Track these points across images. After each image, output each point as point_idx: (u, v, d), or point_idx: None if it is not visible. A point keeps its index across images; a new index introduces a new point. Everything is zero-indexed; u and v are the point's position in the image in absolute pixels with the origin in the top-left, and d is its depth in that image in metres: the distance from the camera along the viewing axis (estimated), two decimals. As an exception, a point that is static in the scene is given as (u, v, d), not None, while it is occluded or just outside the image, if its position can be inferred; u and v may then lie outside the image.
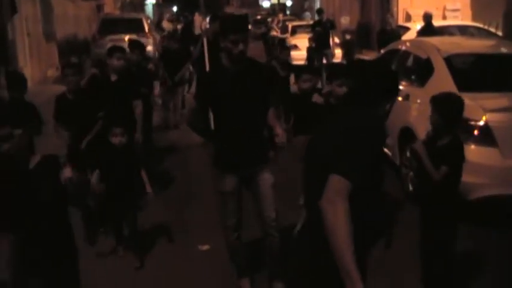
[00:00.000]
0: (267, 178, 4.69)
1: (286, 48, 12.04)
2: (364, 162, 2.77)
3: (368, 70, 3.07)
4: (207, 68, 9.89)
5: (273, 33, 19.31)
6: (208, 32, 10.03)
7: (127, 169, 5.59)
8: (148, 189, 5.63)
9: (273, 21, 20.37)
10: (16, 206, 3.57)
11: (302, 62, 16.44)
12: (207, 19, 10.80)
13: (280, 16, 21.14)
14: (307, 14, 31.98)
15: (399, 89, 2.96)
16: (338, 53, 19.22)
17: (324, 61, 16.81)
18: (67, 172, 3.70)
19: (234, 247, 4.92)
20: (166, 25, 25.37)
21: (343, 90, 5.50)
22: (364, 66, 3.20)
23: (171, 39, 12.69)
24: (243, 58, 4.48)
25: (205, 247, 5.94)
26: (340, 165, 2.73)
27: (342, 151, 2.76)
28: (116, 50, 6.85)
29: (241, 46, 4.36)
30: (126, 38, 20.34)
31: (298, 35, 21.90)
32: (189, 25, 23.55)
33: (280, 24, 19.94)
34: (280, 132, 4.54)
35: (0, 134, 3.45)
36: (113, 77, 6.76)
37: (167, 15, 28.20)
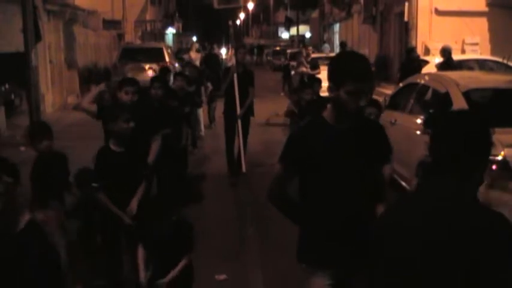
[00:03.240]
0: None
1: (308, 86, 10.73)
2: None
3: (456, 123, 2.22)
4: (238, 107, 9.72)
5: (302, 69, 17.49)
6: (237, 65, 9.90)
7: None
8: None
9: (300, 54, 18.44)
10: None
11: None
12: (231, 51, 10.82)
13: (309, 49, 19.21)
14: (326, 46, 32.09)
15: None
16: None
17: None
18: None
19: None
20: (194, 55, 25.63)
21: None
22: (452, 118, 2.29)
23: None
24: (357, 115, 3.22)
25: (222, 277, 5.94)
26: None
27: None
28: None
29: (362, 101, 3.10)
30: (147, 66, 20.70)
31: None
32: (210, 55, 23.94)
33: (309, 59, 18.07)
34: None
35: None
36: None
37: (196, 46, 28.22)
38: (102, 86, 7.05)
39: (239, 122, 9.77)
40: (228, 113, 9.99)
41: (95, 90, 6.77)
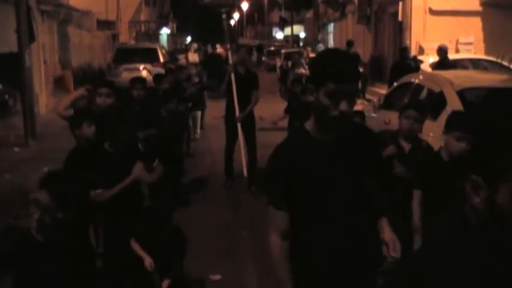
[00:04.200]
0: None
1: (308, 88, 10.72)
2: None
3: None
4: (237, 111, 8.93)
5: (301, 70, 16.78)
6: (236, 64, 9.11)
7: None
8: None
9: (301, 55, 17.44)
10: None
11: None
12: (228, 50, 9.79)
13: (309, 50, 18.11)
14: (321, 45, 32.21)
15: None
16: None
17: None
18: None
19: None
20: (191, 57, 25.27)
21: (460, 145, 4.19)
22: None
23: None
24: (343, 124, 2.77)
25: (217, 277, 5.93)
26: None
27: None
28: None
29: (344, 105, 2.67)
30: (141, 67, 20.69)
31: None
32: (213, 56, 23.92)
33: (307, 60, 17.19)
34: (391, 239, 2.89)
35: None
36: None
37: (195, 46, 27.63)
38: (81, 91, 6.46)
39: (239, 126, 9.01)
40: (227, 116, 9.30)
41: (73, 94, 6.43)
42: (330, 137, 2.79)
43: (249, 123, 9.14)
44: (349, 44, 18.10)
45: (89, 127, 5.14)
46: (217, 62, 24.30)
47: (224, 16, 10.16)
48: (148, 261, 4.62)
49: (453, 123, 4.31)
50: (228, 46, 9.76)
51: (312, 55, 24.67)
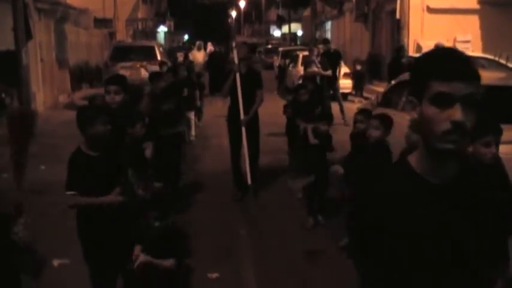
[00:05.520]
0: None
1: (303, 87, 10.40)
2: None
3: None
4: (242, 113, 8.40)
5: (314, 69, 15.57)
6: (240, 64, 8.57)
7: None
8: None
9: (311, 52, 16.62)
10: None
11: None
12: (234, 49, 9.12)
13: (321, 48, 17.18)
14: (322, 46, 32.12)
15: None
16: (347, 83, 19.46)
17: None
18: None
19: None
20: (196, 54, 24.75)
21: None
22: None
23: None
24: (460, 144, 1.82)
25: (215, 275, 5.93)
26: None
27: None
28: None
29: (458, 113, 1.78)
30: (138, 65, 20.63)
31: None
32: (214, 54, 23.77)
33: (318, 58, 16.63)
34: None
35: None
36: None
37: (197, 43, 26.92)
38: (100, 90, 6.52)
39: (243, 129, 8.47)
40: (230, 119, 8.80)
41: (90, 90, 6.51)
42: (441, 175, 1.90)
43: (253, 125, 8.66)
44: (325, 41, 17.51)
45: (142, 128, 5.60)
46: (219, 60, 24.22)
47: (234, 14, 9.80)
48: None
49: (477, 130, 4.08)
50: (234, 44, 9.22)
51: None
